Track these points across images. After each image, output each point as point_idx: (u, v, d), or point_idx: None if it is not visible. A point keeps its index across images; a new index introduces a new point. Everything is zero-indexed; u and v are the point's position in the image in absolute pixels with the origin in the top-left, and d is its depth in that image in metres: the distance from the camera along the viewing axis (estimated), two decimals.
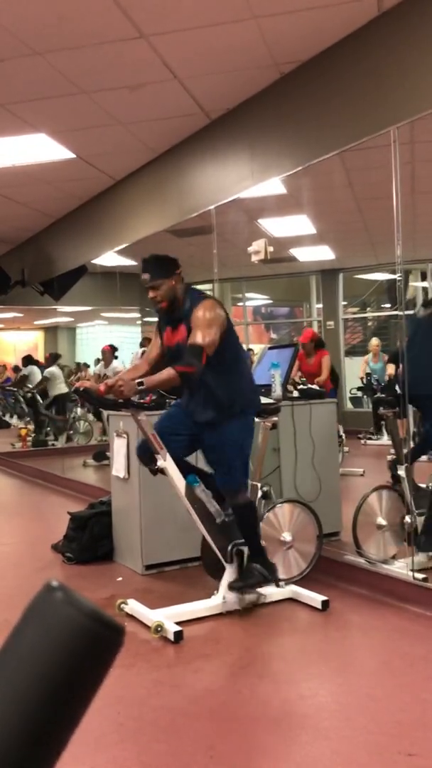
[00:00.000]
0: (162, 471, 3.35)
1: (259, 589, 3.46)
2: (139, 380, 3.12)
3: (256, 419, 3.66)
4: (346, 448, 7.31)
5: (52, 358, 10.88)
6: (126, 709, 2.49)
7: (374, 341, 9.23)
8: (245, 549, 3.43)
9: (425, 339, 4.15)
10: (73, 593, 0.46)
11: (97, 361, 9.71)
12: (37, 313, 11.94)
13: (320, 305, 10.84)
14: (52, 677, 0.45)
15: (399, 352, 4.00)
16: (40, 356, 12.43)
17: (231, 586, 3.41)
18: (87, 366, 11.25)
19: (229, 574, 3.44)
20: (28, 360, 11.47)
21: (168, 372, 3.11)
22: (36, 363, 11.44)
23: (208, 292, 3.54)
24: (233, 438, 3.36)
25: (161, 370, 3.24)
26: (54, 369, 10.55)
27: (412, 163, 5.24)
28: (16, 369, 12.50)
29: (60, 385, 10.38)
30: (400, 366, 3.94)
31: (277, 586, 3.54)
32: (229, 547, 3.42)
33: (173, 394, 4.33)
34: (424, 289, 9.94)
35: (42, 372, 10.88)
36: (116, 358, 8.83)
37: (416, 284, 10.04)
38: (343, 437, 7.13)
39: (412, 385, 3.81)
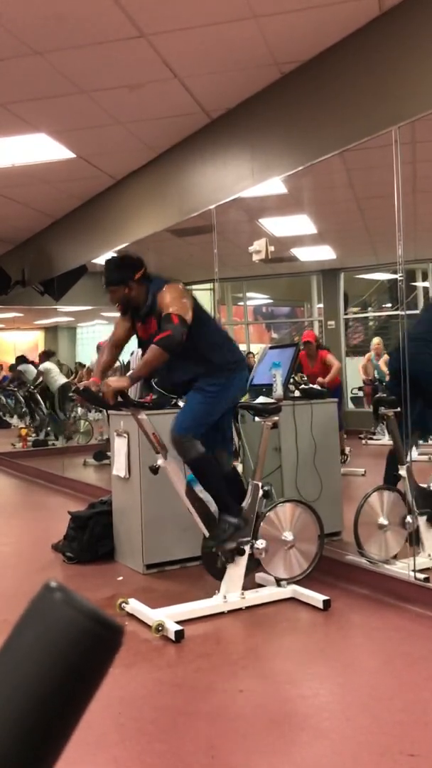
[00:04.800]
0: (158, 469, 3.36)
1: (239, 540, 3.44)
2: (129, 374, 3.17)
3: (257, 419, 3.65)
4: (348, 459, 7.26)
5: (46, 356, 10.91)
6: (127, 709, 2.49)
7: (376, 340, 9.25)
8: (212, 507, 3.43)
9: None
10: (73, 593, 0.46)
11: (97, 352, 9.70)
12: (37, 313, 11.93)
13: (321, 305, 10.83)
14: (51, 677, 0.45)
15: (399, 349, 3.98)
16: (36, 358, 12.46)
17: (206, 546, 3.40)
18: (83, 366, 11.26)
19: (230, 574, 3.44)
20: (22, 359, 11.53)
21: (150, 350, 3.14)
22: (29, 362, 11.49)
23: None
24: (210, 391, 3.39)
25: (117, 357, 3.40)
26: (47, 364, 10.59)
27: (413, 163, 5.23)
28: (12, 368, 12.51)
29: (58, 377, 10.39)
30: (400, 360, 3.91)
31: (246, 533, 3.46)
32: (230, 547, 3.41)
33: (174, 393, 4.33)
34: (425, 290, 9.93)
35: (37, 369, 10.92)
36: None
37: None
38: (348, 455, 7.10)
39: (413, 364, 3.80)
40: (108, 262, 3.48)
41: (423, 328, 4.24)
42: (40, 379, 10.58)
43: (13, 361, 12.69)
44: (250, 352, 9.75)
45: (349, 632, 3.24)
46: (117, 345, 3.60)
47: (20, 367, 11.38)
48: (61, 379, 10.37)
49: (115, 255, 3.53)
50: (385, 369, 7.59)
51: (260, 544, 3.48)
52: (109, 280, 3.42)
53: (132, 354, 5.48)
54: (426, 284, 9.88)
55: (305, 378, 6.25)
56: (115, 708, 2.49)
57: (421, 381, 3.86)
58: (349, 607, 3.46)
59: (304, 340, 6.96)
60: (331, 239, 8.72)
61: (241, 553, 3.44)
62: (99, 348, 8.78)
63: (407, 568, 3.61)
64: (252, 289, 11.95)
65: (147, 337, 3.39)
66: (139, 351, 3.99)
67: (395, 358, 4.11)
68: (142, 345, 3.47)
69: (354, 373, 10.09)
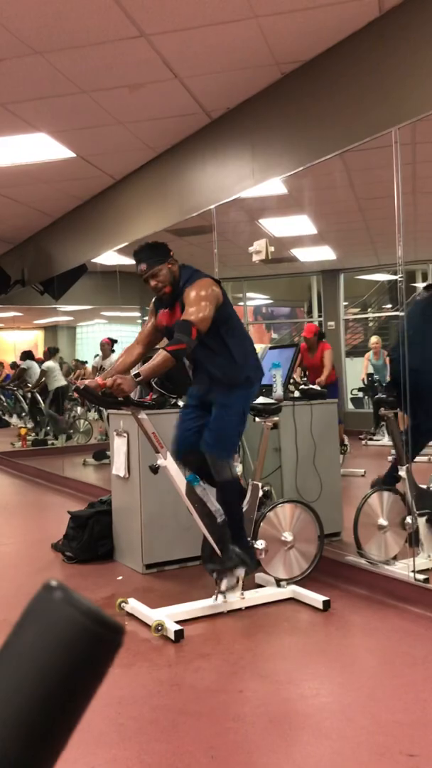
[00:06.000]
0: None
1: (239, 575, 3.42)
2: (136, 373, 3.13)
3: (257, 419, 3.66)
4: (348, 450, 7.29)
5: (50, 353, 10.89)
6: (126, 709, 2.49)
7: (374, 339, 9.27)
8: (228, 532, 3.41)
9: (423, 323, 4.08)
10: (73, 593, 0.46)
11: (96, 355, 9.70)
12: (37, 313, 11.93)
13: (319, 306, 10.83)
14: (51, 677, 0.45)
15: (399, 346, 3.95)
16: (39, 355, 12.44)
17: (208, 569, 3.40)
18: (85, 363, 11.25)
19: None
20: (27, 355, 11.50)
21: (161, 355, 3.07)
22: (34, 359, 11.48)
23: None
24: (236, 408, 3.36)
25: (155, 350, 3.24)
26: (51, 363, 10.57)
27: (413, 163, 5.23)
28: (14, 365, 12.48)
29: (58, 378, 10.39)
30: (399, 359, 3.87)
31: (250, 570, 3.46)
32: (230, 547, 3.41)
33: (174, 393, 4.33)
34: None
35: (40, 367, 10.91)
36: (113, 351, 8.79)
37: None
38: (348, 445, 7.13)
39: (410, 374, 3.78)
40: (141, 247, 3.35)
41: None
42: (42, 379, 10.58)
43: (13, 359, 12.68)
44: None
45: (349, 633, 3.24)
46: (143, 343, 3.50)
47: (24, 364, 11.34)
48: (60, 381, 10.36)
49: (142, 243, 3.46)
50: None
51: (260, 544, 3.48)
52: (152, 261, 3.26)
53: None
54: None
55: (305, 378, 6.26)
56: (114, 708, 2.49)
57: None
58: (349, 607, 3.46)
59: (304, 335, 7.05)
60: (331, 240, 8.72)
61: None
62: (103, 345, 8.76)
63: (407, 569, 3.61)
64: (252, 290, 11.94)
65: (172, 324, 3.32)
66: None
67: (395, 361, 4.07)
68: (165, 333, 3.41)
69: (354, 373, 10.09)
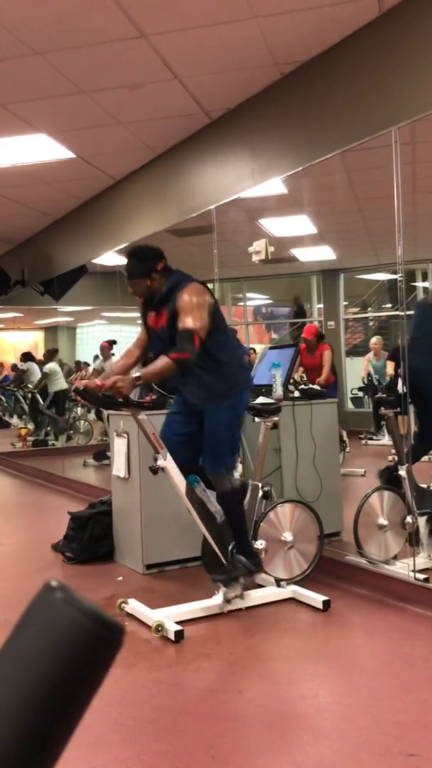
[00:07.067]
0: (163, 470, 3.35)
1: (246, 589, 3.45)
2: (136, 375, 3.12)
3: (257, 419, 3.65)
4: (348, 449, 7.30)
5: (50, 354, 10.87)
6: (127, 709, 2.49)
7: (374, 339, 9.25)
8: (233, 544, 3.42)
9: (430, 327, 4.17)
10: (73, 593, 0.46)
11: (96, 357, 9.70)
12: (37, 313, 11.92)
13: (321, 305, 10.82)
14: (51, 677, 0.45)
15: (399, 348, 3.99)
16: (39, 356, 12.43)
17: (213, 579, 3.40)
18: (87, 365, 11.24)
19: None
20: (27, 357, 11.46)
21: (163, 361, 3.06)
22: (34, 360, 11.45)
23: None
24: (225, 419, 3.35)
25: (153, 354, 3.24)
26: (53, 365, 10.54)
27: (413, 163, 5.23)
28: (14, 367, 12.48)
29: (59, 380, 10.36)
30: (401, 364, 3.91)
31: (262, 572, 3.48)
32: (230, 547, 3.41)
33: (172, 393, 4.33)
34: (425, 290, 9.93)
35: (41, 369, 10.88)
36: (113, 353, 8.79)
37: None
38: (347, 441, 7.15)
39: (411, 375, 3.79)
40: (130, 254, 3.38)
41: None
42: (44, 381, 10.56)
43: (13, 360, 12.67)
44: (252, 349, 9.72)
45: (349, 633, 3.24)
46: (141, 346, 3.53)
47: (24, 365, 11.32)
48: (61, 384, 10.34)
49: (135, 246, 3.45)
50: (389, 370, 7.60)
51: (260, 544, 3.48)
52: (132, 272, 3.31)
53: None
54: (426, 284, 9.87)
55: (304, 378, 6.26)
56: (115, 708, 2.49)
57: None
58: (349, 607, 3.46)
59: (304, 336, 7.02)
60: (331, 239, 8.72)
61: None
62: (102, 348, 8.76)
63: (407, 569, 3.61)
64: (252, 290, 11.94)
65: (158, 328, 3.34)
66: None
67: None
68: (151, 335, 3.44)
69: (354, 373, 10.09)
